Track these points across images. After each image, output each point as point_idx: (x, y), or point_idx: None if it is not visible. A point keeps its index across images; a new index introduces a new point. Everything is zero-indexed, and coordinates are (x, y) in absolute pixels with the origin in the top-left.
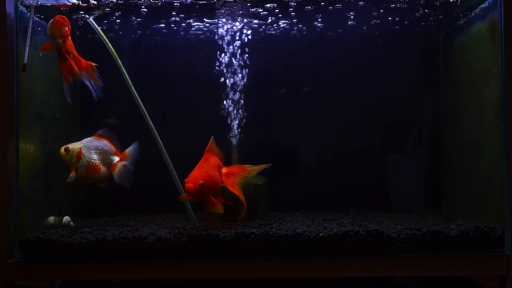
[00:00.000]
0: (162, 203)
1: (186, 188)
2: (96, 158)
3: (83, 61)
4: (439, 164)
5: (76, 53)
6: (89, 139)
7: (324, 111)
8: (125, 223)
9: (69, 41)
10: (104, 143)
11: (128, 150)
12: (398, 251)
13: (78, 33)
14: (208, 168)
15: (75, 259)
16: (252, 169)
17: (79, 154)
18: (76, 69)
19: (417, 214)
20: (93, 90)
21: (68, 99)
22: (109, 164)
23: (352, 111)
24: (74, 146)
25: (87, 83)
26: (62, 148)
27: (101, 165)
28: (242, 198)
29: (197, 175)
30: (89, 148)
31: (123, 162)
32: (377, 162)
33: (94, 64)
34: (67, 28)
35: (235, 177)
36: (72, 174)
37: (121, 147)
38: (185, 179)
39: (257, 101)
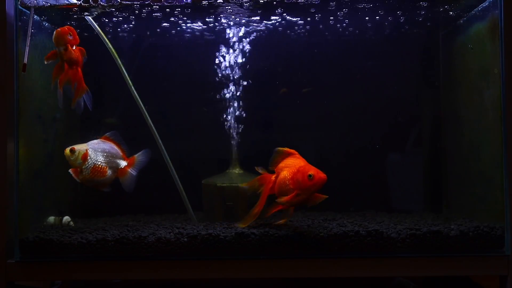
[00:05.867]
0: (162, 203)
1: (322, 178)
2: (103, 161)
3: (80, 79)
4: (439, 164)
5: (79, 68)
6: (95, 141)
7: (324, 111)
8: (125, 223)
9: (75, 52)
10: (111, 146)
11: (137, 156)
12: (398, 251)
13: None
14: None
15: (75, 259)
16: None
17: (85, 156)
18: (63, 78)
19: (417, 214)
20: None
21: (60, 105)
22: (115, 168)
23: (352, 111)
24: (80, 147)
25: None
26: (67, 149)
27: (107, 168)
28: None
29: (315, 168)
30: (96, 150)
31: (132, 170)
32: (377, 162)
33: (86, 89)
34: (70, 37)
35: None
36: (77, 174)
37: (127, 151)
38: (310, 173)
39: (257, 101)
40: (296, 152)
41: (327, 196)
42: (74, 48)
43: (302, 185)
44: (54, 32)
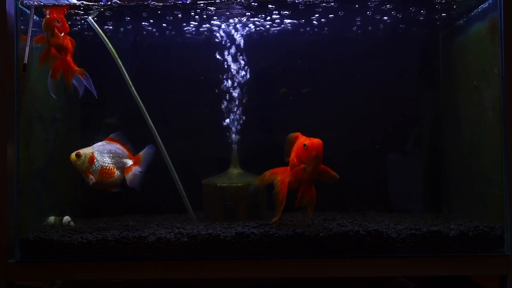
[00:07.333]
0: (162, 203)
1: (316, 143)
2: (110, 162)
3: (69, 63)
4: (439, 164)
5: (69, 54)
6: (100, 143)
7: (324, 111)
8: (125, 223)
9: (63, 39)
10: (117, 147)
11: (142, 153)
12: (398, 251)
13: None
14: None
15: (75, 259)
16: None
17: (91, 159)
18: (61, 68)
19: (417, 214)
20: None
21: (52, 94)
22: (123, 168)
23: (352, 111)
24: (86, 151)
25: (85, 82)
26: (73, 154)
27: (115, 169)
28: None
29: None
30: (102, 152)
31: (138, 167)
32: (377, 162)
33: (79, 69)
34: (59, 24)
35: None
36: (90, 177)
37: (133, 150)
38: (305, 143)
39: (257, 101)
40: (299, 134)
41: (338, 176)
42: (62, 35)
43: (303, 157)
44: (44, 19)
